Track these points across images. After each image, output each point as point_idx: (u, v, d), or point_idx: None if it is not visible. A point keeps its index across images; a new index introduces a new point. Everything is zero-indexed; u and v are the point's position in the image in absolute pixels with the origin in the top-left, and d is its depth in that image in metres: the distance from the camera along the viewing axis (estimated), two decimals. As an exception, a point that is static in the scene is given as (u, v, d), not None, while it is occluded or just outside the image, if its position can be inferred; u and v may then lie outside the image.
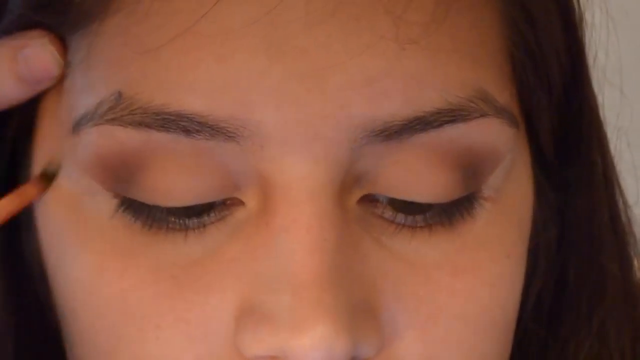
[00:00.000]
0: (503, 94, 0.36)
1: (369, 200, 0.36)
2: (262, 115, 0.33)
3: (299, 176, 0.33)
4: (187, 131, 0.33)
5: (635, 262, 0.46)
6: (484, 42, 0.36)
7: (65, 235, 0.37)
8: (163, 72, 0.33)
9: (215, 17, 0.33)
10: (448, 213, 0.36)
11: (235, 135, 0.33)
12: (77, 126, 0.35)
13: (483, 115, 0.35)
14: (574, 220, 0.43)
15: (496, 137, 0.36)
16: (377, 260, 0.35)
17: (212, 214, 0.35)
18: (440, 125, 0.34)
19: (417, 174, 0.35)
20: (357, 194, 0.35)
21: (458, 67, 0.34)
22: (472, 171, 0.36)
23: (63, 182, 0.37)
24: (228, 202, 0.35)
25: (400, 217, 0.36)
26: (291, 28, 0.33)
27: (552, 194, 0.42)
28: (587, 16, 0.42)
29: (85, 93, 0.35)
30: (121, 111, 0.34)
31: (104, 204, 0.36)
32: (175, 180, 0.34)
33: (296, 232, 0.33)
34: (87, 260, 0.36)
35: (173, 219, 0.35)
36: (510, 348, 0.39)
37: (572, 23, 0.41)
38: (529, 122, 0.39)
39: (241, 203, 0.35)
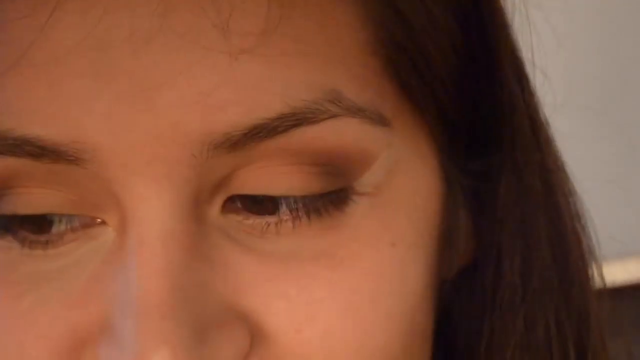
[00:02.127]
0: (364, 93, 0.35)
1: (231, 209, 0.35)
2: (97, 139, 0.33)
3: (143, 197, 0.33)
4: (32, 155, 0.33)
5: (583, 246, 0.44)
6: (336, 42, 0.35)
7: None
8: (6, 98, 0.34)
9: (44, 44, 0.33)
10: (315, 208, 0.35)
11: (77, 159, 0.33)
12: None
13: (333, 116, 0.34)
14: (501, 206, 0.42)
15: (356, 137, 0.35)
16: (241, 266, 0.34)
17: (75, 230, 0.35)
18: (286, 130, 0.33)
19: (272, 175, 0.34)
20: (218, 204, 0.35)
21: (302, 70, 0.33)
22: (335, 170, 0.35)
23: None
24: (93, 220, 0.35)
25: (262, 217, 0.35)
26: (117, 50, 0.33)
27: (466, 179, 0.41)
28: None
29: None
30: None
31: None
32: (36, 197, 0.35)
33: (142, 255, 0.33)
34: None
35: (33, 234, 0.35)
36: (421, 338, 0.38)
37: (467, 6, 0.39)
38: (420, 113, 0.38)
39: (104, 222, 0.35)
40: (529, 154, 0.42)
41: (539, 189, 0.42)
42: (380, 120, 0.35)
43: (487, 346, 0.42)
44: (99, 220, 0.35)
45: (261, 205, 0.35)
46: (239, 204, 0.35)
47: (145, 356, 0.32)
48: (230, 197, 0.35)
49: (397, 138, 0.37)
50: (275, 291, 0.34)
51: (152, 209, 0.33)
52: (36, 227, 0.35)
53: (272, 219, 0.35)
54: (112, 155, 0.33)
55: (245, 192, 0.35)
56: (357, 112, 0.34)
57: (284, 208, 0.35)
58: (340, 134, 0.34)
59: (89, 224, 0.35)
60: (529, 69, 0.43)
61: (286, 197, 0.35)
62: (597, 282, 0.45)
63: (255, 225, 0.35)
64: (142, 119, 0.33)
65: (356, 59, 0.35)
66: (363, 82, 0.35)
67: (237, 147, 0.33)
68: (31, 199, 0.35)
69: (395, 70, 0.36)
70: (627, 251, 1.03)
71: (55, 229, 0.35)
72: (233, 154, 0.33)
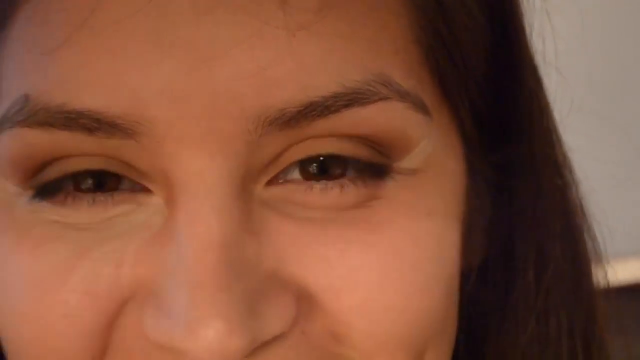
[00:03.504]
0: (408, 79, 0.36)
1: (276, 183, 0.35)
2: (155, 111, 0.33)
3: (195, 171, 0.33)
4: (87, 129, 0.33)
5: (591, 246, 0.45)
6: (384, 26, 0.35)
7: None
8: (62, 71, 0.34)
9: (103, 10, 0.33)
10: (357, 183, 0.35)
11: (133, 133, 0.33)
12: None
13: (383, 98, 0.34)
14: (516, 200, 0.43)
15: (402, 121, 0.35)
16: (285, 234, 0.35)
17: (123, 200, 0.35)
18: (338, 109, 0.34)
19: (322, 146, 0.35)
20: (264, 180, 0.35)
21: (355, 51, 0.34)
22: (379, 150, 0.36)
23: None
24: (138, 189, 0.35)
25: (308, 185, 0.35)
26: (178, 18, 0.33)
27: (487, 173, 0.42)
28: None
29: (0, 102, 0.36)
30: (27, 113, 0.34)
31: (21, 197, 0.36)
32: (86, 162, 0.35)
33: (195, 227, 0.33)
34: (6, 245, 0.36)
35: (82, 191, 0.35)
36: (454, 308, 0.39)
37: (496, 4, 0.40)
38: (452, 106, 0.39)
39: (150, 192, 0.35)
40: (545, 151, 0.43)
41: (554, 186, 0.44)
42: (423, 108, 0.36)
43: (499, 339, 0.43)
44: (146, 188, 0.35)
45: (305, 170, 0.35)
46: (282, 178, 0.35)
47: (199, 327, 0.32)
48: (279, 171, 0.35)
49: (435, 129, 0.37)
50: (315, 255, 0.35)
51: (205, 184, 0.33)
52: (84, 185, 0.35)
53: (317, 185, 0.35)
54: (169, 127, 0.33)
55: (292, 159, 0.35)
56: (404, 96, 0.35)
57: (331, 170, 0.35)
58: (389, 117, 0.35)
59: (136, 189, 0.35)
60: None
61: (332, 156, 0.35)
62: (601, 281, 0.46)
63: (298, 190, 0.35)
64: (200, 91, 0.33)
65: (401, 45, 0.36)
66: (408, 69, 0.36)
67: (290, 124, 0.33)
68: (80, 163, 0.35)
69: (434, 60, 0.37)
70: (628, 251, 1.04)
71: (105, 200, 0.35)
72: (285, 131, 0.34)
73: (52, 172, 0.35)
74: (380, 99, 0.34)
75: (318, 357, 0.35)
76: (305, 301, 0.35)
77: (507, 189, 0.43)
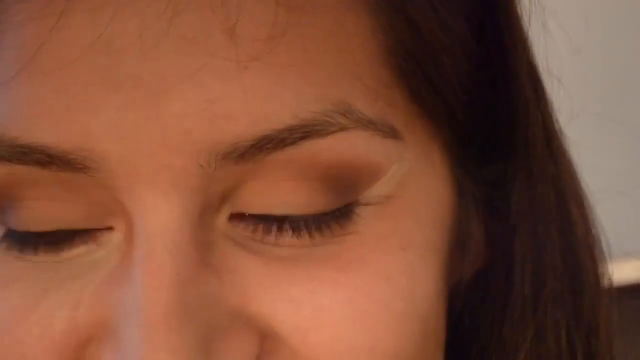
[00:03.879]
0: (374, 104, 0.34)
1: (238, 218, 0.35)
2: (106, 146, 0.33)
3: (149, 208, 0.33)
4: (40, 163, 0.33)
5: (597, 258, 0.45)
6: (346, 51, 0.34)
7: None
8: (13, 104, 0.33)
9: (53, 47, 0.33)
10: (317, 226, 0.34)
11: (84, 167, 0.33)
12: None
13: (343, 129, 0.33)
14: (513, 213, 0.42)
15: (365, 150, 0.34)
16: (250, 271, 0.34)
17: (84, 240, 0.35)
18: (294, 142, 0.33)
19: (278, 191, 0.34)
20: (226, 212, 0.35)
21: (312, 80, 0.33)
22: (344, 184, 0.35)
23: None
24: (101, 227, 0.35)
25: (267, 230, 0.35)
26: (124, 54, 0.32)
27: (479, 187, 0.41)
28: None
29: None
30: None
31: None
32: (44, 209, 0.35)
33: (149, 266, 0.33)
34: None
35: (44, 245, 0.35)
36: (434, 342, 0.38)
37: (482, 12, 0.39)
38: (432, 122, 0.38)
39: (111, 229, 0.35)
40: (542, 163, 0.42)
41: (552, 199, 0.42)
42: (391, 133, 0.35)
43: (498, 355, 0.42)
44: (108, 225, 0.35)
45: (266, 220, 0.35)
46: (246, 215, 0.35)
47: None
48: (239, 209, 0.35)
49: (409, 150, 0.36)
50: (282, 295, 0.34)
51: (159, 220, 0.33)
52: (48, 241, 0.35)
53: (280, 234, 0.35)
54: (120, 163, 0.33)
55: (250, 210, 0.34)
56: (367, 124, 0.34)
57: (286, 226, 0.34)
58: (350, 147, 0.34)
59: (98, 229, 0.35)
60: (544, 77, 0.44)
61: (290, 216, 0.34)
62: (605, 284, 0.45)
63: (262, 234, 0.35)
64: (150, 126, 0.32)
65: (366, 70, 0.35)
66: (374, 94, 0.35)
67: (245, 157, 0.33)
68: (40, 214, 0.35)
69: (406, 80, 0.36)
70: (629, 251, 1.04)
71: (65, 240, 0.35)
72: (241, 164, 0.33)
73: (13, 221, 0.35)
74: (340, 130, 0.33)
75: None
76: (270, 340, 0.34)
77: (503, 201, 0.42)
